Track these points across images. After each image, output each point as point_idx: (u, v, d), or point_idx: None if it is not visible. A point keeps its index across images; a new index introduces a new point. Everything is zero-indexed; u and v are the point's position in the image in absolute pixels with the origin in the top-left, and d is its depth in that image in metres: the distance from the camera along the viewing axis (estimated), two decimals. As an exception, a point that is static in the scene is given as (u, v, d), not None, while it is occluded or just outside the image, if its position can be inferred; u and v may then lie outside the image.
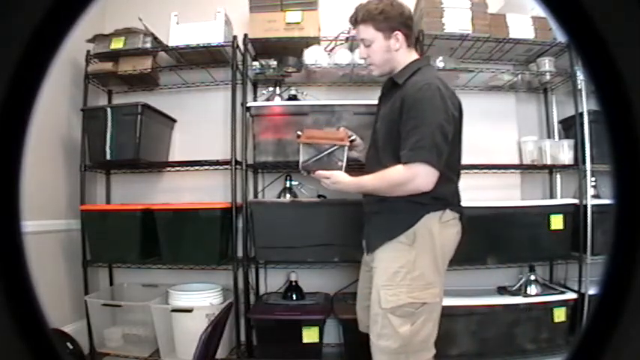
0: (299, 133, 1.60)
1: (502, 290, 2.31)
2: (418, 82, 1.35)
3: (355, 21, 1.46)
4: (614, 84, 0.37)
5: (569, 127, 2.45)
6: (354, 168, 1.57)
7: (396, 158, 1.34)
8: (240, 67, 2.36)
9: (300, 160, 1.59)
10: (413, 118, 1.31)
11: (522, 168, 2.52)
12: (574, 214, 2.19)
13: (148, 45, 2.35)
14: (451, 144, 1.35)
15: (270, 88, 2.46)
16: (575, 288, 2.21)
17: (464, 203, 1.47)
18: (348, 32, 2.26)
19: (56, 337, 0.43)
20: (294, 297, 2.29)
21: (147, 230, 2.20)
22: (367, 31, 1.44)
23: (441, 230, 1.36)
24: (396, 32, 1.42)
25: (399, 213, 1.37)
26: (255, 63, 2.37)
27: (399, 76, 1.44)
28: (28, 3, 0.36)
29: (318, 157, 1.56)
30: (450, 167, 1.39)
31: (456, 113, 1.36)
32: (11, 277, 0.39)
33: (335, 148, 1.56)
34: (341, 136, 1.58)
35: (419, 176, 1.29)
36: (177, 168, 2.52)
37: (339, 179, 1.45)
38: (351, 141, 1.60)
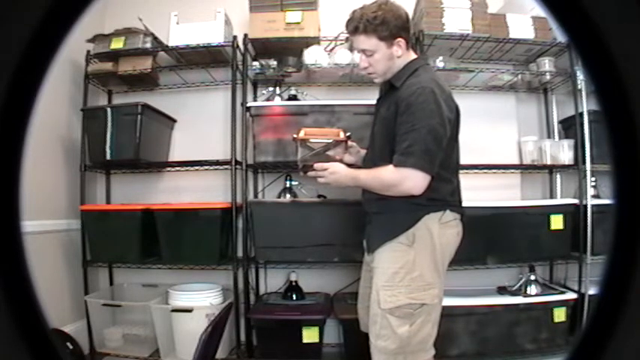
0: (295, 136, 1.60)
1: (502, 290, 2.31)
2: (412, 86, 1.34)
3: (355, 30, 1.40)
4: (614, 84, 0.37)
5: (569, 127, 2.45)
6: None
7: (391, 161, 1.34)
8: (240, 67, 2.36)
9: (298, 158, 1.59)
10: (405, 122, 1.31)
11: (522, 168, 2.52)
12: (574, 214, 2.19)
13: (148, 45, 2.35)
14: (448, 145, 1.35)
15: (270, 88, 2.46)
16: (575, 288, 2.21)
17: (464, 203, 1.47)
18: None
19: (56, 337, 0.43)
20: (294, 297, 2.29)
21: (147, 230, 2.20)
22: (369, 42, 1.39)
23: (440, 231, 1.36)
24: (398, 39, 1.40)
25: (399, 213, 1.37)
26: (255, 63, 2.37)
27: (397, 79, 1.43)
28: (28, 3, 0.36)
29: (315, 151, 1.57)
30: (448, 168, 1.39)
31: (451, 116, 1.35)
32: (11, 277, 0.39)
33: (332, 142, 1.57)
34: (337, 132, 1.60)
35: (408, 179, 1.29)
36: (177, 168, 2.52)
37: (337, 169, 1.45)
38: (348, 137, 1.61)
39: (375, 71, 1.45)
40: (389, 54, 1.41)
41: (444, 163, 1.35)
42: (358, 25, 1.38)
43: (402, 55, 1.42)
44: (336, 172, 1.44)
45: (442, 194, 1.38)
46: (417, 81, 1.36)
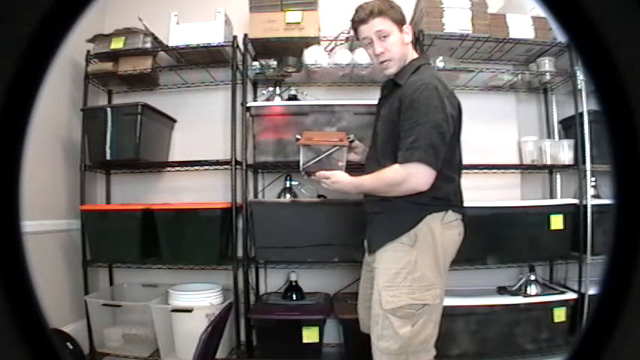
0: (298, 137, 1.61)
1: (502, 290, 2.30)
2: (415, 82, 1.36)
3: (370, 14, 1.41)
4: (614, 84, 0.37)
5: (569, 127, 2.45)
6: (355, 169, 1.58)
7: (395, 159, 1.34)
8: (240, 67, 2.36)
9: (301, 162, 1.60)
10: (409, 118, 1.32)
11: (522, 168, 2.52)
12: (574, 214, 2.19)
13: (148, 45, 2.35)
14: (450, 143, 1.35)
15: (270, 88, 2.46)
16: (575, 288, 2.21)
17: (464, 203, 1.47)
18: (348, 32, 2.26)
19: (56, 337, 0.43)
20: (294, 297, 2.29)
21: (147, 230, 2.20)
22: (384, 23, 1.41)
23: (442, 231, 1.36)
24: (406, 25, 1.44)
25: (401, 213, 1.37)
26: (255, 63, 2.37)
27: (400, 77, 1.44)
28: (28, 3, 0.36)
29: (318, 158, 1.57)
30: (451, 166, 1.39)
31: (454, 112, 1.36)
32: (11, 277, 0.39)
33: (335, 149, 1.57)
34: (340, 137, 1.60)
35: (414, 176, 1.30)
36: (177, 168, 2.52)
37: (339, 179, 1.45)
38: (351, 142, 1.61)
39: (393, 56, 1.44)
40: (401, 39, 1.44)
41: (447, 162, 1.35)
42: (373, 9, 1.41)
43: (410, 42, 1.46)
44: (338, 181, 1.45)
45: (445, 193, 1.38)
46: (420, 78, 1.37)
